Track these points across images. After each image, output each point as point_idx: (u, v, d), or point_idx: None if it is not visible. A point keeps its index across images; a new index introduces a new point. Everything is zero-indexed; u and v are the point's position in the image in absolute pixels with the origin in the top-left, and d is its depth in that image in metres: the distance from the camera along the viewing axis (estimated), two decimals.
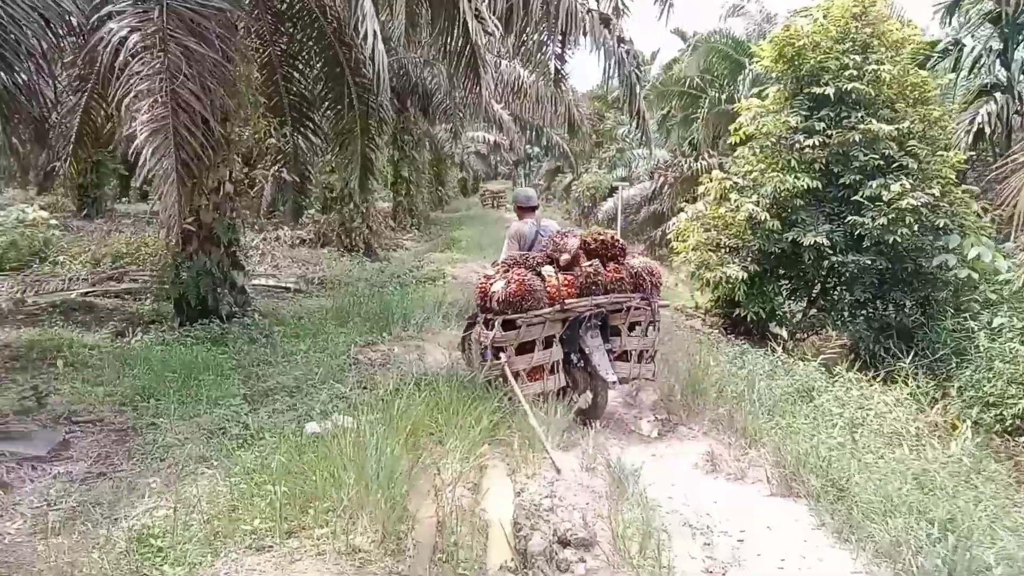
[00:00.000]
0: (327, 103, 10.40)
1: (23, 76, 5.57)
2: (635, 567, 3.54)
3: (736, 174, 11.66)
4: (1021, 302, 9.18)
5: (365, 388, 6.28)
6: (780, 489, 4.65)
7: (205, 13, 6.24)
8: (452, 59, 8.03)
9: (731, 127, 12.36)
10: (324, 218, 17.75)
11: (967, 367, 8.35)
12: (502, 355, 5.51)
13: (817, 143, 10.73)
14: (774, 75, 12.09)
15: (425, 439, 4.66)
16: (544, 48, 10.07)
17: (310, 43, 9.97)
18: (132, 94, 5.75)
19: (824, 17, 11.33)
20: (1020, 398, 7.31)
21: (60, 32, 6.35)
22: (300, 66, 10.24)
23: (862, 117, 10.61)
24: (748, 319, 11.00)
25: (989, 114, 13.10)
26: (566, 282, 5.71)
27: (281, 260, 15.23)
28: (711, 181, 11.87)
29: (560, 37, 9.31)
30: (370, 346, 8.19)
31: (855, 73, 10.69)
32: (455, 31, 7.55)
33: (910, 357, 8.25)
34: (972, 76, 15.06)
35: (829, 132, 10.76)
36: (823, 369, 7.73)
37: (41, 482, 4.67)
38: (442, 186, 33.27)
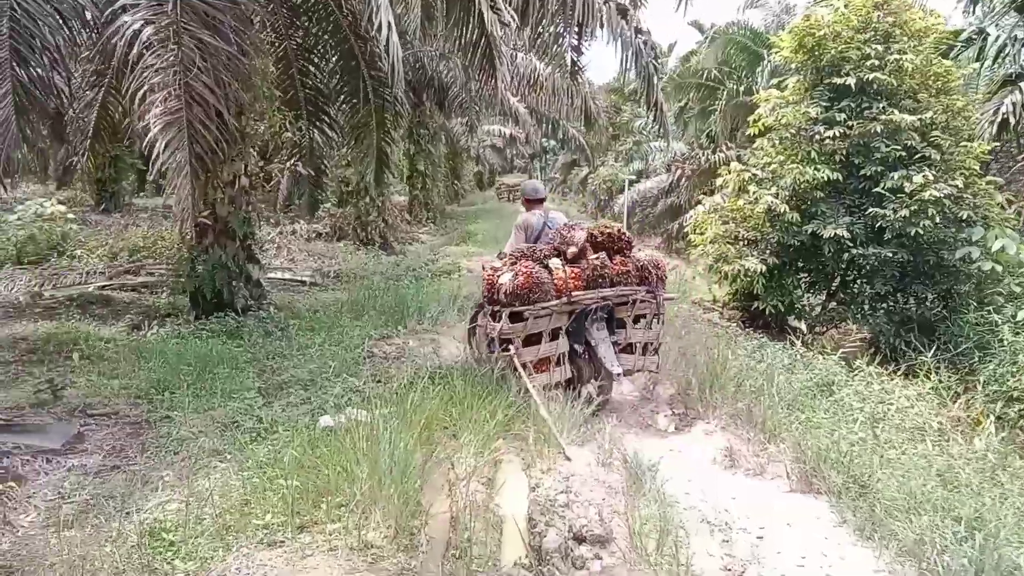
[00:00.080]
0: (343, 97, 10.36)
1: (38, 70, 5.57)
2: (652, 565, 3.48)
3: (755, 166, 11.51)
4: None
5: (379, 381, 6.25)
6: (800, 485, 4.56)
7: (219, 6, 6.22)
8: (467, 51, 7.95)
9: (749, 119, 12.21)
10: (340, 212, 17.77)
11: (990, 361, 8.19)
12: (510, 347, 5.51)
13: (837, 134, 10.56)
14: (793, 66, 11.90)
15: (439, 433, 4.62)
16: (560, 40, 9.95)
17: (326, 36, 9.93)
18: (146, 87, 5.73)
19: (845, 6, 11.13)
20: None
21: (75, 26, 6.35)
22: (316, 60, 10.21)
23: (884, 108, 10.42)
24: (766, 312, 10.87)
25: (1014, 104, 12.83)
26: (573, 275, 5.72)
27: (297, 254, 15.27)
28: (729, 173, 11.72)
29: (576, 29, 9.20)
30: (385, 339, 8.17)
31: (877, 63, 10.49)
32: (470, 22, 7.47)
33: (932, 351, 8.10)
34: (996, 66, 14.76)
35: (850, 123, 10.57)
36: (843, 363, 7.62)
37: (55, 475, 4.68)
38: (458, 180, 33.24)
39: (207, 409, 5.65)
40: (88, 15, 6.23)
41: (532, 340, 5.64)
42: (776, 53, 12.51)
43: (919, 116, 10.27)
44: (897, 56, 10.46)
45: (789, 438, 5.12)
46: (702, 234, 11.57)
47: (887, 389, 6.72)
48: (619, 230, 6.24)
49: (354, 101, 10.19)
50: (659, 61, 12.29)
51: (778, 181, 10.88)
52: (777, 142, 11.39)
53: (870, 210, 10.23)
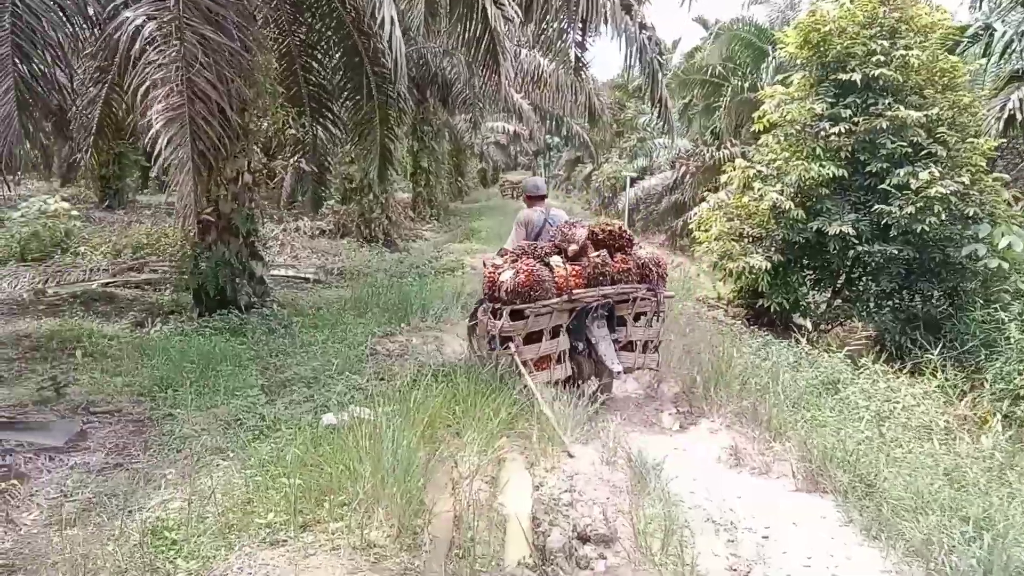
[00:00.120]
0: (346, 93, 10.33)
1: (40, 66, 5.55)
2: (657, 564, 3.45)
3: (760, 162, 11.47)
4: None
5: (382, 379, 6.23)
6: (806, 484, 4.53)
7: (222, 2, 6.19)
8: (471, 47, 7.92)
9: (754, 115, 12.16)
10: (344, 209, 17.75)
11: (997, 359, 8.16)
12: (510, 344, 5.51)
13: (843, 130, 10.52)
14: (799, 62, 11.85)
15: (442, 431, 4.59)
16: (564, 36, 9.91)
17: (329, 33, 9.89)
18: (148, 83, 5.71)
19: (851, 2, 11.08)
20: None
21: (77, 22, 6.33)
22: (319, 56, 10.18)
23: (890, 104, 10.38)
24: (771, 310, 10.83)
25: (1020, 100, 12.74)
26: (574, 272, 5.71)
27: (301, 251, 15.26)
28: (734, 170, 11.68)
29: (580, 24, 9.16)
30: (388, 337, 8.16)
31: (882, 59, 10.45)
32: (474, 18, 7.44)
33: (938, 349, 8.06)
34: (1003, 61, 14.67)
35: (855, 119, 10.53)
36: (848, 361, 7.58)
37: (58, 473, 4.66)
38: (462, 177, 33.22)
39: (210, 407, 5.64)
40: (90, 11, 6.19)
41: (533, 338, 5.64)
42: (781, 49, 12.47)
43: (925, 112, 10.23)
44: (903, 52, 10.42)
45: (795, 437, 5.09)
46: (707, 231, 11.54)
47: (893, 387, 6.67)
48: (620, 228, 6.24)
49: (357, 98, 10.16)
50: (663, 57, 12.25)
51: (783, 178, 10.85)
52: (782, 138, 11.34)
53: (876, 207, 10.19)
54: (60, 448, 5.01)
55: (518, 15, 7.67)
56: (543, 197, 6.80)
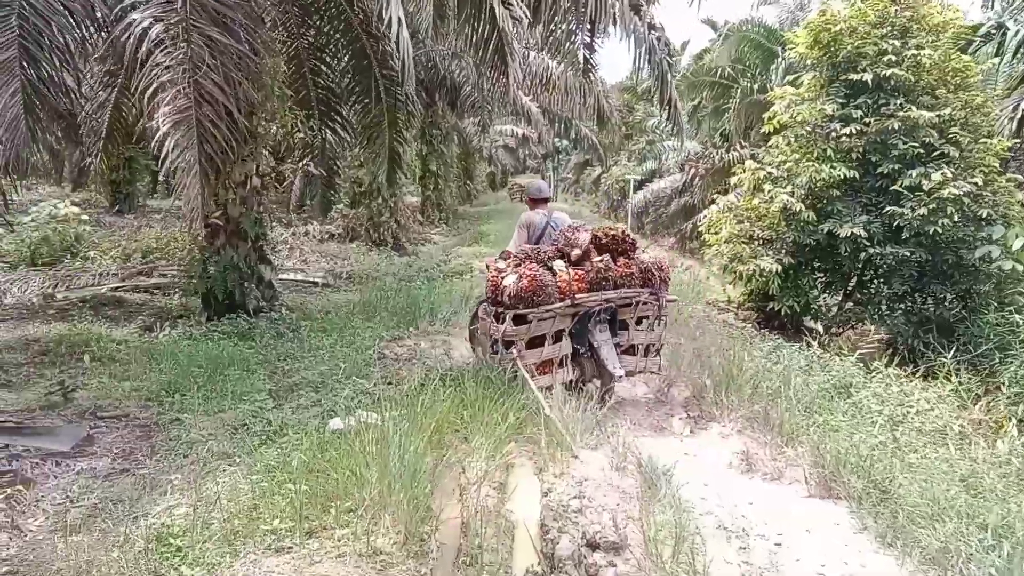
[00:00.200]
0: (355, 96, 10.33)
1: (48, 69, 5.55)
2: (668, 572, 3.39)
3: (770, 164, 11.39)
4: None
5: (390, 383, 6.20)
6: (819, 490, 4.46)
7: (229, 3, 6.18)
8: (479, 48, 7.88)
9: (764, 116, 12.07)
10: (352, 213, 17.76)
11: (1012, 362, 8.05)
12: (513, 349, 5.51)
13: (854, 131, 10.42)
14: (809, 62, 11.76)
15: (450, 436, 4.54)
16: (573, 37, 9.87)
17: (337, 36, 9.89)
18: (155, 85, 5.70)
19: (862, 1, 11.00)
20: None
21: (86, 25, 6.33)
22: (327, 59, 10.17)
23: (901, 104, 10.28)
24: (782, 313, 10.74)
25: None
26: (577, 277, 5.71)
27: (309, 255, 15.27)
28: (744, 172, 11.60)
29: (589, 25, 9.11)
30: (396, 341, 8.12)
31: (894, 58, 10.35)
32: (482, 18, 7.40)
33: (951, 352, 7.96)
34: (1016, 61, 14.55)
35: (867, 120, 10.43)
36: (860, 364, 7.49)
37: (64, 478, 4.65)
38: (470, 180, 33.22)
39: (217, 411, 5.62)
40: (98, 13, 6.19)
41: (535, 342, 5.64)
42: (791, 50, 12.38)
43: (937, 112, 10.13)
44: (915, 51, 10.32)
45: (807, 441, 5.03)
46: (716, 233, 11.47)
47: (906, 391, 6.60)
48: (623, 232, 6.27)
49: (366, 101, 10.15)
50: (672, 59, 12.18)
51: (793, 179, 10.76)
52: (792, 140, 11.25)
53: (887, 208, 10.09)
54: (67, 453, 5.00)
55: (526, 15, 7.63)
56: (546, 200, 6.83)
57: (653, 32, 9.54)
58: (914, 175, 9.85)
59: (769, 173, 11.18)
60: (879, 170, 10.39)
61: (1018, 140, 12.83)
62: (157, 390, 6.14)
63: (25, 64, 5.25)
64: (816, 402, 6.07)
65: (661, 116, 23.84)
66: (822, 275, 11.45)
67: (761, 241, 10.89)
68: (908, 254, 9.87)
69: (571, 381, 5.77)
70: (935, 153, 10.06)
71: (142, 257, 12.17)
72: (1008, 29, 14.01)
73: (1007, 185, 10.20)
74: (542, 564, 3.33)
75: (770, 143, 11.92)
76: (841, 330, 11.48)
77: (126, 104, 9.26)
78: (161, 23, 5.68)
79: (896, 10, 10.80)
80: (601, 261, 5.81)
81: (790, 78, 13.72)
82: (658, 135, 32.60)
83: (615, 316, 5.96)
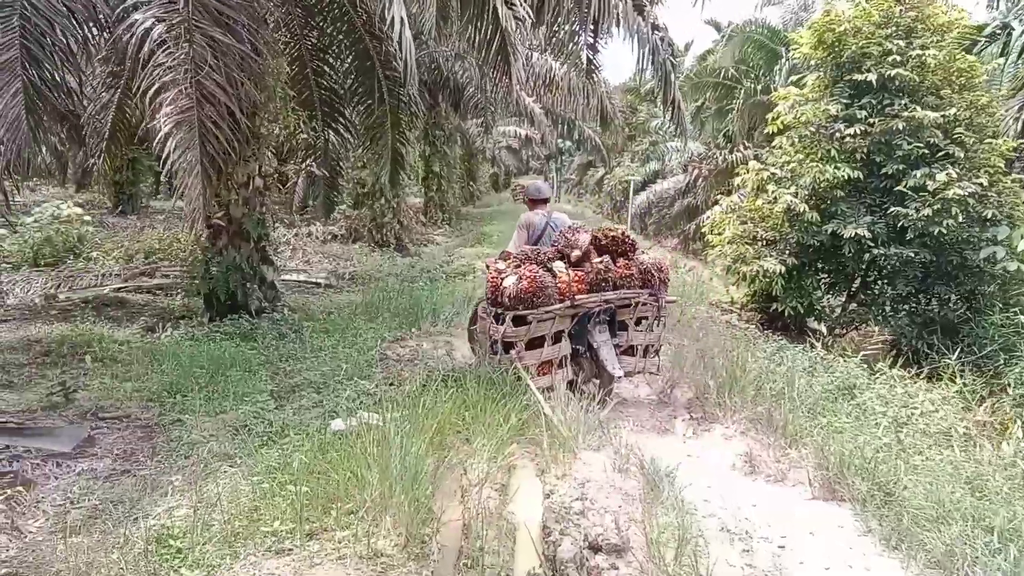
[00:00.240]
0: (357, 97, 10.30)
1: (49, 69, 5.54)
2: (670, 575, 3.36)
3: (773, 165, 11.35)
4: None
5: (392, 384, 6.18)
6: (823, 492, 4.43)
7: (232, 4, 6.16)
8: (482, 48, 7.86)
9: (768, 116, 12.04)
10: (355, 214, 17.75)
11: (1017, 364, 8.01)
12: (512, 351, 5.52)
13: (858, 132, 10.38)
14: (813, 63, 11.73)
15: (452, 437, 4.52)
16: (576, 38, 9.85)
17: (340, 37, 9.87)
18: (156, 86, 5.68)
19: (866, 1, 10.96)
20: None
21: (88, 26, 6.32)
22: (331, 60, 10.15)
23: (906, 104, 10.24)
24: (785, 314, 10.71)
25: None
26: (576, 278, 5.72)
27: (312, 255, 15.26)
28: (748, 172, 11.57)
29: (592, 26, 9.09)
30: (399, 341, 8.11)
31: (898, 59, 10.31)
32: (484, 18, 7.38)
33: (956, 354, 7.92)
34: (1021, 61, 14.50)
35: (871, 120, 10.39)
36: (864, 366, 7.46)
37: (65, 479, 4.64)
38: (473, 181, 33.20)
39: (219, 412, 5.61)
40: (100, 14, 6.18)
41: (535, 343, 5.64)
42: (795, 50, 12.34)
43: (942, 113, 10.08)
44: (919, 51, 10.28)
45: (811, 443, 4.99)
46: (720, 234, 11.43)
47: (910, 393, 6.57)
48: (623, 233, 6.28)
49: (369, 102, 10.13)
50: (676, 59, 12.15)
51: (797, 180, 10.73)
52: (796, 140, 11.21)
53: (892, 209, 10.05)
54: (68, 454, 4.99)
55: (529, 15, 7.61)
56: (546, 200, 6.83)
57: (656, 32, 9.51)
58: (918, 176, 9.81)
59: (773, 174, 11.14)
60: (883, 171, 10.34)
61: (1023, 140, 12.77)
62: (159, 391, 6.13)
63: (27, 64, 5.25)
64: (820, 404, 6.04)
65: (664, 117, 23.83)
66: (826, 276, 11.42)
67: (765, 242, 10.85)
68: (912, 255, 9.83)
69: (571, 381, 5.76)
70: (940, 154, 10.02)
71: (145, 258, 12.18)
72: (1013, 29, 13.94)
73: (1012, 186, 10.14)
74: (544, 566, 3.31)
75: (774, 144, 11.88)
76: (845, 331, 11.44)
77: (129, 105, 9.25)
78: (163, 23, 5.67)
79: (900, 10, 10.75)
80: (601, 262, 5.82)
81: (794, 78, 13.68)
82: (661, 136, 32.56)
83: (614, 317, 5.98)
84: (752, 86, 20.71)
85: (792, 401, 5.82)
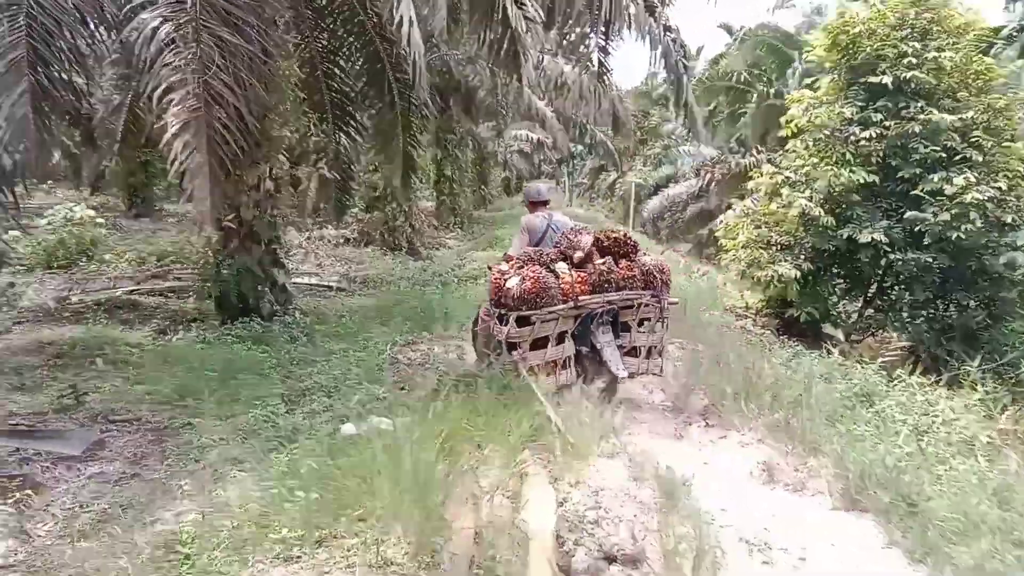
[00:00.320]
0: (368, 100, 10.29)
1: (57, 70, 5.52)
2: None
3: (787, 168, 11.25)
4: None
5: (403, 389, 6.13)
6: (843, 502, 4.33)
7: (240, 4, 6.13)
8: (492, 49, 7.81)
9: (782, 120, 11.94)
10: (367, 217, 17.71)
11: None
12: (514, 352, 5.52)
13: (873, 135, 10.27)
14: (827, 66, 11.62)
15: (463, 443, 4.44)
16: (587, 41, 9.80)
17: (351, 39, 9.85)
18: (164, 86, 5.65)
19: (881, 2, 10.85)
20: None
21: (98, 27, 6.29)
22: (341, 63, 10.13)
23: (922, 107, 10.12)
24: (801, 320, 10.60)
25: None
26: (579, 279, 5.74)
27: (324, 259, 15.24)
28: (761, 176, 11.47)
29: (604, 28, 9.04)
30: (410, 345, 8.06)
31: (914, 61, 10.19)
32: (494, 19, 7.34)
33: (977, 361, 7.78)
34: None
35: (886, 123, 10.27)
36: (882, 372, 7.34)
37: (75, 482, 4.61)
38: (485, 185, 33.07)
39: (229, 416, 5.57)
40: (109, 15, 6.16)
41: (538, 343, 5.65)
42: (809, 53, 12.24)
43: (959, 116, 9.97)
44: (935, 54, 10.17)
45: (830, 452, 4.88)
46: (734, 239, 11.34)
47: (930, 400, 6.45)
48: (625, 234, 6.31)
49: (380, 105, 10.11)
50: (688, 62, 12.06)
51: (812, 184, 10.63)
52: (811, 144, 11.12)
53: (908, 214, 9.93)
54: (78, 457, 4.96)
55: (539, 15, 7.57)
56: (546, 202, 6.83)
57: (668, 34, 9.45)
58: (936, 179, 9.69)
59: (787, 178, 11.04)
60: (899, 174, 10.23)
61: None
62: (169, 394, 6.09)
63: (33, 65, 5.22)
64: (838, 411, 5.92)
65: (677, 120, 23.73)
66: (842, 281, 11.31)
67: (779, 246, 10.75)
68: (930, 260, 9.70)
69: (574, 382, 5.75)
70: (957, 157, 9.91)
71: (157, 260, 12.18)
72: None
73: None
74: None
75: (787, 147, 11.79)
76: (862, 337, 11.32)
77: (141, 107, 9.26)
78: (170, 23, 5.64)
79: (916, 12, 10.63)
80: (603, 263, 5.84)
81: (808, 81, 13.56)
82: (673, 140, 32.46)
83: (617, 318, 5.99)
84: (765, 90, 20.64)
85: (810, 408, 5.70)
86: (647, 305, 6.08)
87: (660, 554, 3.46)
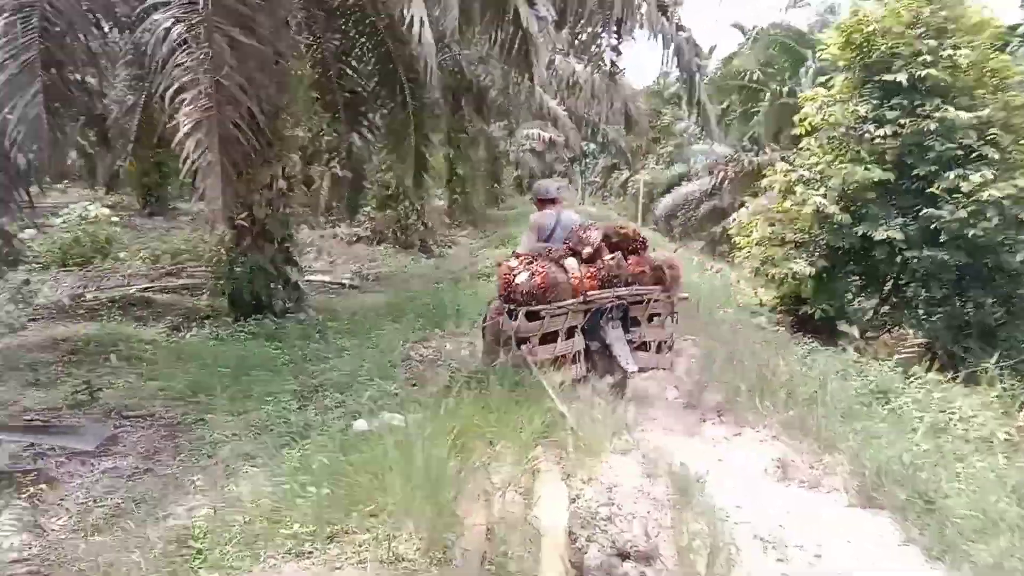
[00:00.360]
0: (380, 100, 10.30)
1: (70, 70, 5.55)
2: None
3: (801, 166, 11.17)
4: None
5: (415, 385, 6.12)
6: (859, 499, 4.27)
7: (252, 4, 6.14)
8: (503, 48, 7.81)
9: (795, 118, 11.84)
10: (380, 215, 17.75)
11: None
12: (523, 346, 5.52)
13: (888, 133, 10.16)
14: (840, 64, 11.52)
15: (475, 439, 4.42)
16: (599, 40, 9.77)
17: (363, 39, 9.88)
18: (176, 86, 5.67)
19: (895, 0, 10.75)
20: None
21: (110, 27, 6.32)
22: (353, 63, 10.16)
23: (938, 105, 10.00)
24: (816, 317, 10.51)
25: None
26: (589, 274, 5.74)
27: (337, 257, 15.28)
28: (775, 174, 11.40)
29: (616, 27, 9.01)
30: (422, 342, 8.06)
31: (929, 59, 10.07)
32: (506, 18, 7.33)
33: (995, 358, 7.69)
34: None
35: (902, 121, 10.16)
36: (898, 370, 7.27)
37: (88, 478, 4.63)
38: (498, 183, 33.08)
39: (242, 412, 5.58)
40: (121, 16, 6.19)
41: (548, 339, 5.64)
42: (823, 51, 12.15)
43: (975, 114, 9.85)
44: (951, 51, 10.05)
45: (846, 449, 4.82)
46: (747, 236, 11.27)
47: (947, 398, 6.39)
48: (634, 230, 6.33)
49: (392, 104, 10.14)
50: (700, 60, 12.00)
51: (826, 182, 10.54)
52: (825, 141, 11.04)
53: (924, 211, 9.82)
54: (92, 452, 4.98)
55: (551, 14, 7.55)
56: (554, 200, 6.76)
57: (681, 32, 9.40)
58: (952, 177, 9.58)
59: (801, 176, 10.96)
60: (915, 172, 10.13)
61: None
62: (183, 390, 6.12)
63: (47, 65, 5.25)
64: (854, 408, 5.87)
65: (689, 119, 23.65)
66: (857, 278, 11.21)
67: (793, 244, 10.68)
68: (946, 258, 9.59)
69: (584, 377, 5.75)
70: (974, 155, 9.79)
71: (171, 258, 12.25)
72: None
73: None
74: (570, 574, 3.21)
75: (801, 145, 11.71)
76: (877, 334, 11.23)
77: (154, 107, 9.30)
78: (182, 23, 5.66)
79: (931, 10, 10.53)
80: (613, 259, 5.83)
81: (821, 79, 13.46)
82: (686, 139, 32.34)
83: (627, 313, 5.99)
84: (778, 88, 20.52)
85: (825, 405, 5.65)
86: (657, 300, 6.08)
87: (674, 551, 3.44)
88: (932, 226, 9.74)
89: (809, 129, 11.32)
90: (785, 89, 20.33)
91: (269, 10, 6.60)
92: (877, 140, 10.25)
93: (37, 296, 9.28)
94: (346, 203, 15.50)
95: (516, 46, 7.44)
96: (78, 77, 5.76)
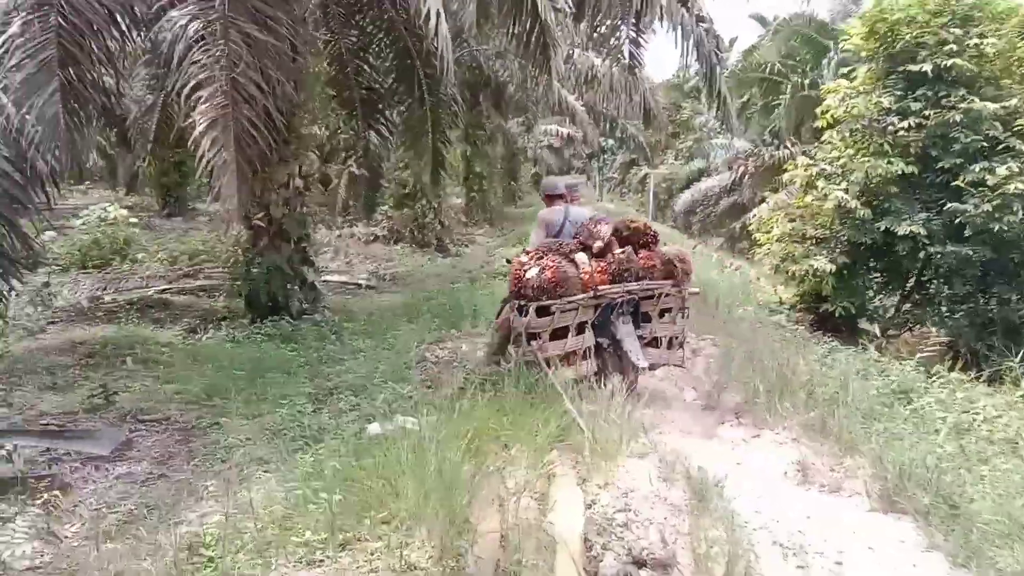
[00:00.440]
0: (398, 97, 10.27)
1: (88, 69, 5.55)
2: None
3: (823, 160, 11.01)
4: None
5: (430, 387, 6.08)
6: (881, 504, 4.17)
7: (269, 1, 6.12)
8: (521, 41, 7.73)
9: (817, 111, 11.69)
10: (397, 214, 17.74)
11: None
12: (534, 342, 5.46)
13: (912, 125, 9.99)
14: (864, 55, 11.34)
15: (489, 443, 4.37)
16: (618, 33, 9.65)
17: (380, 35, 9.84)
18: (192, 83, 5.66)
19: None
20: None
21: (129, 27, 6.32)
22: (371, 59, 10.12)
23: (963, 96, 9.81)
24: (836, 315, 10.37)
25: None
26: (599, 269, 5.66)
27: (354, 256, 15.28)
28: (796, 168, 11.25)
29: (634, 19, 8.90)
30: (438, 343, 8.02)
31: (955, 48, 9.89)
32: (523, 10, 7.25)
33: (1019, 356, 7.52)
34: None
35: (926, 113, 9.98)
36: (921, 368, 7.13)
37: (102, 483, 4.65)
38: (515, 181, 33.01)
39: (256, 415, 5.58)
40: (139, 14, 6.18)
41: (558, 334, 5.58)
42: (845, 41, 11.97)
43: (1002, 104, 9.68)
44: (977, 40, 9.86)
45: (867, 451, 4.72)
46: (767, 232, 11.14)
47: (971, 397, 6.25)
48: (645, 224, 6.25)
49: (409, 101, 10.10)
50: (721, 53, 11.85)
51: (848, 176, 10.39)
52: (847, 135, 10.88)
53: (949, 205, 9.65)
54: (106, 457, 4.99)
55: (569, 7, 7.46)
56: (561, 196, 6.71)
57: (701, 24, 9.28)
58: (977, 170, 9.41)
59: (822, 170, 10.82)
60: (939, 165, 9.95)
61: None
62: (198, 393, 6.14)
63: (64, 64, 5.25)
64: (875, 409, 5.76)
65: (709, 113, 23.46)
66: (878, 275, 11.06)
67: (814, 240, 10.55)
68: (971, 253, 9.42)
69: (594, 373, 5.65)
70: (1000, 147, 9.61)
71: (189, 260, 12.30)
72: None
73: None
74: None
75: (823, 138, 11.55)
76: (899, 332, 11.06)
77: (173, 108, 9.33)
78: (199, 20, 5.65)
79: None
80: (623, 253, 5.75)
81: (844, 71, 13.27)
82: (705, 133, 32.09)
83: (638, 308, 5.92)
84: (799, 81, 20.28)
85: (846, 406, 5.54)
86: (668, 295, 6.01)
87: (691, 558, 3.36)
88: (956, 220, 9.57)
89: (831, 122, 11.17)
90: (807, 81, 20.08)
91: (286, 6, 6.58)
92: (901, 132, 10.09)
93: (56, 298, 9.35)
94: (363, 202, 15.51)
95: (534, 39, 7.36)
96: (96, 76, 5.75)
